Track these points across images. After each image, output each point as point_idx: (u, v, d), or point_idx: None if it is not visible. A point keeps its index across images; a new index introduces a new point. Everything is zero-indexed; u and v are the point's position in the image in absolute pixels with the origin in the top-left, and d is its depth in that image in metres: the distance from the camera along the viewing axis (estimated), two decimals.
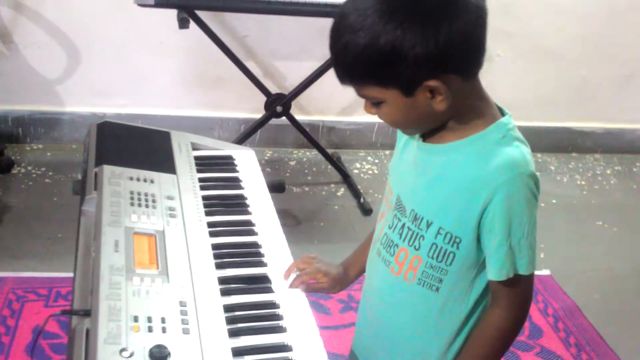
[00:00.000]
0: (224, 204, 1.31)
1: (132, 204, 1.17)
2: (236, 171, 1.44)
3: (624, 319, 2.25)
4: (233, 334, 0.99)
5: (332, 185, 2.81)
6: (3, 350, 1.76)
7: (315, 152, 2.87)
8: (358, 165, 3.00)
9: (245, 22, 2.68)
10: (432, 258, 0.99)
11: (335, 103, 2.99)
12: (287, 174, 2.84)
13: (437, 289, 1.01)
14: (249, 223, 1.27)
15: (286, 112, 2.60)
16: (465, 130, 0.95)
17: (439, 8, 0.85)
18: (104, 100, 2.77)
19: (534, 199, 0.94)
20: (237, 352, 0.96)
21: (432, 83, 0.87)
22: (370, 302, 1.14)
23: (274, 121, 2.69)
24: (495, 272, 0.96)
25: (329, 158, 2.79)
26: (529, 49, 2.96)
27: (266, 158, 2.94)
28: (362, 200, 2.66)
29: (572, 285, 2.36)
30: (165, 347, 0.89)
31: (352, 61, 0.89)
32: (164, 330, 0.93)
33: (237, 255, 1.18)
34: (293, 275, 1.13)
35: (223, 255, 1.16)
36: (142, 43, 2.68)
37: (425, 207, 0.99)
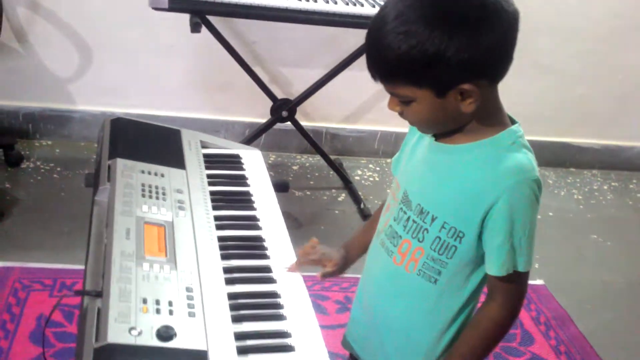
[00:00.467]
0: (230, 199, 1.36)
1: (143, 196, 1.22)
2: (243, 169, 1.50)
3: (614, 330, 2.30)
4: (236, 319, 1.04)
5: (334, 191, 2.87)
6: (8, 336, 1.81)
7: (318, 157, 2.93)
8: (359, 172, 3.06)
9: (255, 29, 2.75)
10: (435, 251, 1.05)
11: (339, 111, 3.05)
12: (290, 178, 2.90)
13: (435, 281, 1.07)
14: (253, 218, 1.33)
15: (291, 117, 2.67)
16: (478, 133, 1.01)
17: (480, 15, 0.91)
18: (113, 100, 2.84)
19: (537, 202, 1.00)
20: (239, 336, 1.01)
21: (467, 86, 0.93)
22: (368, 291, 1.19)
23: (278, 126, 2.76)
24: (496, 268, 1.01)
25: (331, 164, 2.86)
26: (529, 65, 3.03)
27: (270, 162, 3.00)
28: (362, 206, 2.72)
29: (565, 296, 2.41)
30: (172, 328, 0.95)
31: (394, 61, 0.93)
32: (171, 312, 0.98)
33: (241, 248, 1.23)
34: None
35: (228, 247, 1.21)
36: (152, 45, 2.75)
37: (432, 202, 1.05)
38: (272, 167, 2.96)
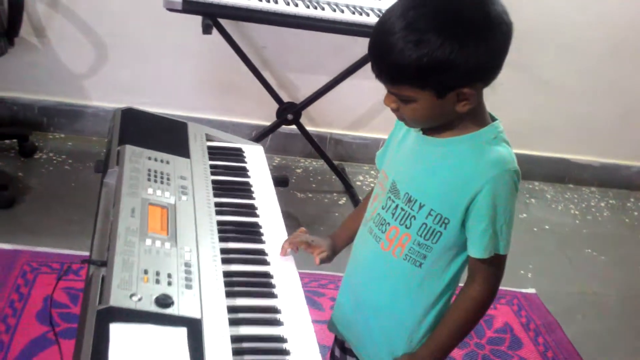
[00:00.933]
0: (231, 188, 1.44)
1: (149, 180, 1.30)
2: (244, 162, 1.57)
3: (603, 340, 2.36)
4: (230, 294, 1.12)
5: (335, 194, 2.95)
6: (16, 314, 1.90)
7: (321, 162, 3.01)
8: (361, 178, 3.14)
9: (264, 34, 2.84)
10: (421, 236, 1.13)
11: (344, 118, 3.13)
12: (293, 180, 2.98)
13: (420, 265, 1.15)
14: (252, 206, 1.41)
15: (296, 120, 2.75)
16: (463, 129, 1.09)
17: (486, 25, 1.00)
18: (125, 97, 2.91)
19: (516, 191, 1.09)
20: (232, 309, 1.09)
21: (466, 90, 1.02)
22: (355, 276, 1.27)
23: (283, 129, 2.84)
24: (480, 251, 1.10)
25: (334, 168, 2.93)
26: (531, 80, 3.10)
27: (274, 164, 3.08)
28: None
29: (556, 305, 2.47)
30: (169, 297, 1.02)
31: (404, 67, 0.99)
32: (169, 283, 1.05)
33: (239, 232, 1.31)
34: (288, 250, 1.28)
35: (226, 231, 1.29)
36: (164, 45, 2.84)
37: (420, 191, 1.13)
38: (276, 169, 3.04)
